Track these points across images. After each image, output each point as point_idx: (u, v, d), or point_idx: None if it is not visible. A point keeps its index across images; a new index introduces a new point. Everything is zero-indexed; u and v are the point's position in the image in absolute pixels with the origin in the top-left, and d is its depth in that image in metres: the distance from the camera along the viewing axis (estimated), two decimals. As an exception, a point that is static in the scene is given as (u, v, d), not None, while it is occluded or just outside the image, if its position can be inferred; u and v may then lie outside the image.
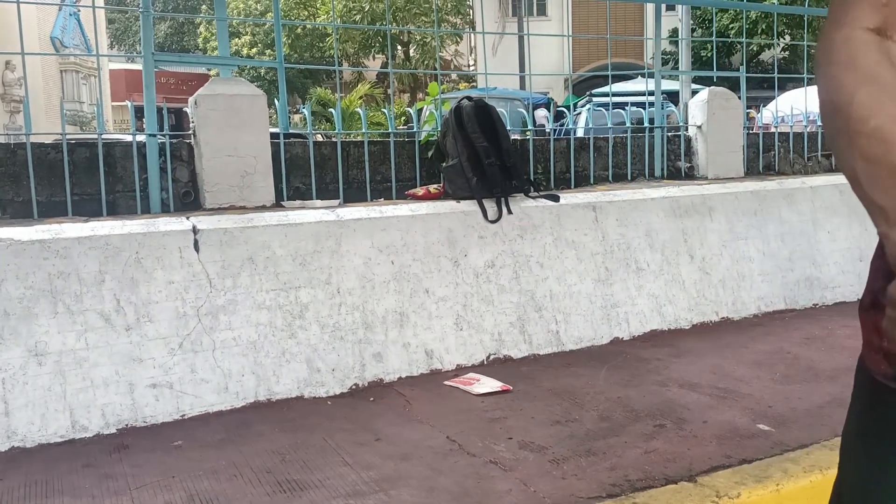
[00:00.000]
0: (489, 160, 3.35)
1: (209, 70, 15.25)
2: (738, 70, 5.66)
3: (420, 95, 19.84)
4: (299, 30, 23.83)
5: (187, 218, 2.83)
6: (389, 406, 2.75)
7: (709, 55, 17.31)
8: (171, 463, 2.27)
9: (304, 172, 3.73)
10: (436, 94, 3.97)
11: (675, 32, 12.26)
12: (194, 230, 2.76)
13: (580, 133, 6.27)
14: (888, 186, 0.75)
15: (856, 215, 4.30)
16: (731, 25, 19.38)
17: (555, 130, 8.11)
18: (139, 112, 3.66)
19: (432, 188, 3.60)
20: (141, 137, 3.41)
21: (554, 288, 3.42)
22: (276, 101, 4.19)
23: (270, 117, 4.73)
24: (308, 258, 2.93)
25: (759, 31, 19.25)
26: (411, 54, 24.20)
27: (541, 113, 11.31)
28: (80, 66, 22.89)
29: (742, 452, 2.23)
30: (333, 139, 4.00)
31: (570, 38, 7.01)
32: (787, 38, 18.33)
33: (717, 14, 10.98)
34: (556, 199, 3.51)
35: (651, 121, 4.73)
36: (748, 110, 6.17)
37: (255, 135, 3.35)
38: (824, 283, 4.22)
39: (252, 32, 25.91)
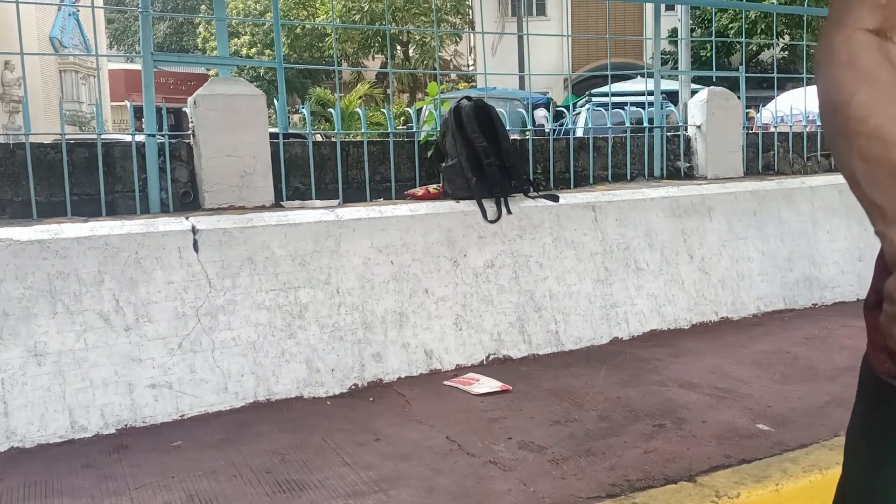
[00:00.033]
0: (488, 160, 3.35)
1: (208, 70, 15.25)
2: (737, 70, 5.66)
3: (419, 95, 19.84)
4: (298, 30, 23.84)
5: (186, 218, 2.83)
6: (389, 406, 2.75)
7: (708, 55, 17.31)
8: (171, 463, 2.27)
9: (303, 172, 3.73)
10: (435, 94, 3.97)
11: (674, 32, 12.27)
12: (193, 230, 2.76)
13: (579, 133, 6.27)
14: (886, 186, 0.75)
15: (855, 215, 4.30)
16: (730, 25, 19.39)
17: (554, 130, 8.12)
18: (138, 112, 3.65)
19: (432, 188, 3.60)
20: (140, 137, 3.40)
21: (553, 288, 3.42)
22: (275, 101, 4.19)
23: (270, 117, 4.73)
24: (307, 258, 2.93)
25: (759, 31, 19.26)
26: (411, 54, 24.20)
27: (540, 113, 11.31)
28: (80, 66, 22.88)
29: (741, 452, 2.23)
30: (333, 139, 4.00)
31: (570, 38, 7.01)
32: (787, 38, 18.35)
33: (716, 14, 10.98)
34: (555, 199, 3.51)
35: (650, 121, 4.73)
36: (747, 110, 6.18)
37: (254, 135, 3.35)
38: (824, 282, 4.22)
39: (251, 32, 25.91)
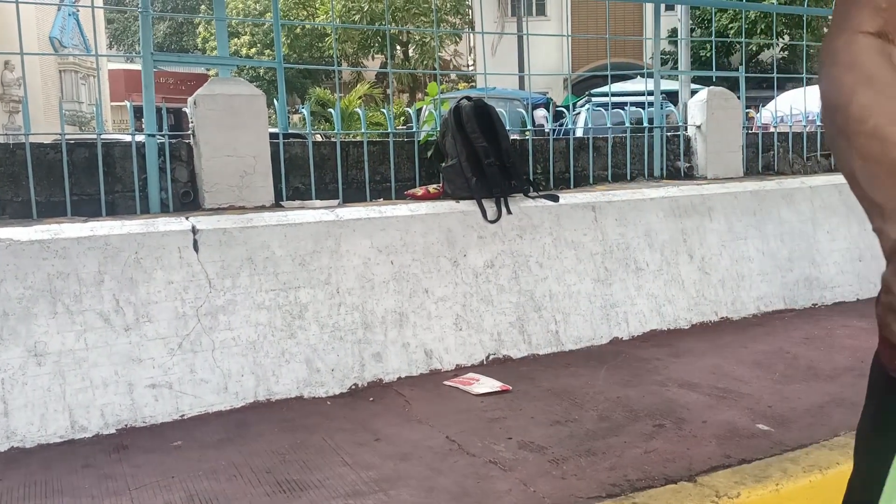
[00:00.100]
0: (488, 160, 3.35)
1: (208, 70, 15.25)
2: (737, 70, 5.66)
3: (419, 95, 19.84)
4: (298, 30, 23.84)
5: (186, 218, 2.83)
6: (389, 406, 2.75)
7: (708, 55, 17.31)
8: (171, 463, 2.27)
9: (303, 172, 3.73)
10: (435, 94, 3.97)
11: (674, 32, 12.26)
12: (193, 230, 2.76)
13: (579, 133, 6.27)
14: (884, 184, 0.77)
15: (855, 215, 4.30)
16: (730, 25, 19.39)
17: (554, 130, 8.11)
18: (138, 112, 3.65)
19: (431, 188, 3.60)
20: (140, 137, 3.40)
21: (553, 288, 3.42)
22: (275, 101, 4.19)
23: (269, 117, 4.73)
24: (307, 258, 2.93)
25: (759, 31, 19.26)
26: (410, 54, 24.20)
27: (540, 113, 11.30)
28: (79, 66, 22.89)
29: (742, 452, 2.23)
30: (333, 139, 4.00)
31: (570, 38, 7.01)
32: (787, 38, 18.35)
33: (716, 14, 10.98)
34: (555, 199, 3.51)
35: (650, 121, 4.73)
36: (747, 110, 6.18)
37: (254, 135, 3.35)
38: (823, 282, 4.22)
39: (251, 32, 25.91)
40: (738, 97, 4.95)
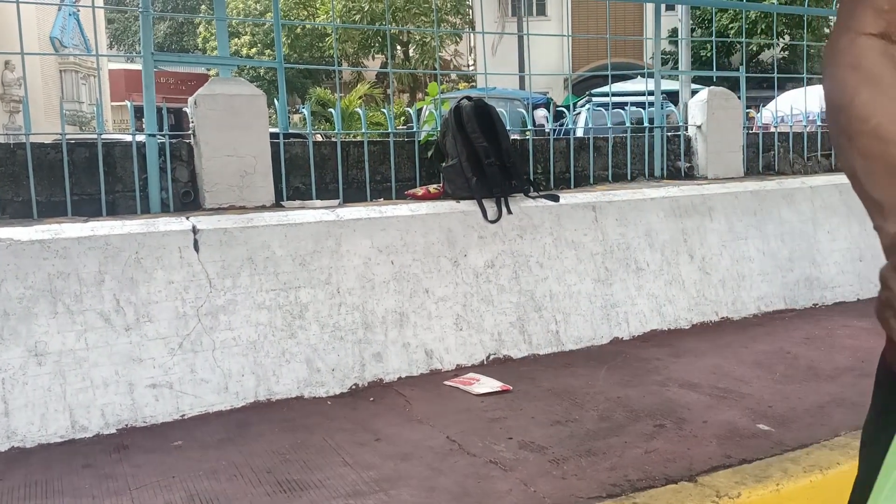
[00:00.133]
0: (489, 160, 3.35)
1: (209, 70, 15.24)
2: (737, 70, 5.66)
3: (419, 95, 19.84)
4: (299, 30, 23.84)
5: (187, 218, 2.83)
6: (389, 406, 2.75)
7: (708, 55, 17.32)
8: (171, 463, 2.27)
9: (303, 172, 3.73)
10: (435, 94, 3.97)
11: (674, 32, 12.27)
12: (194, 230, 2.76)
13: (580, 133, 6.27)
14: (885, 182, 0.80)
15: (855, 215, 4.30)
16: (730, 25, 19.39)
17: (554, 130, 8.11)
18: (139, 112, 3.65)
19: (432, 188, 3.60)
20: (140, 137, 3.41)
21: (554, 288, 3.42)
22: (275, 101, 4.19)
23: (270, 117, 4.73)
24: (308, 258, 2.93)
25: (759, 31, 19.26)
26: (411, 54, 24.20)
27: (540, 113, 11.30)
28: (80, 66, 22.88)
29: (742, 452, 2.23)
30: (333, 139, 4.00)
31: (570, 38, 7.01)
32: (787, 38, 18.35)
33: (716, 14, 10.98)
34: (555, 199, 3.51)
35: (651, 121, 4.73)
36: (748, 110, 6.18)
37: (254, 135, 3.35)
38: (824, 282, 4.22)
39: (252, 32, 25.91)
40: (739, 97, 4.95)
